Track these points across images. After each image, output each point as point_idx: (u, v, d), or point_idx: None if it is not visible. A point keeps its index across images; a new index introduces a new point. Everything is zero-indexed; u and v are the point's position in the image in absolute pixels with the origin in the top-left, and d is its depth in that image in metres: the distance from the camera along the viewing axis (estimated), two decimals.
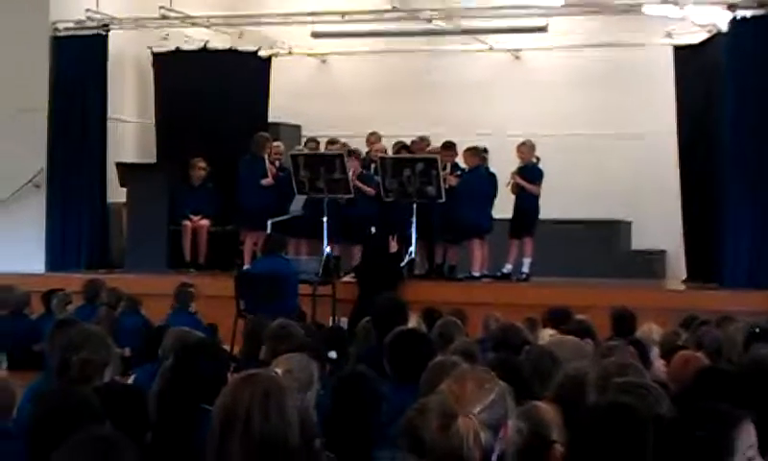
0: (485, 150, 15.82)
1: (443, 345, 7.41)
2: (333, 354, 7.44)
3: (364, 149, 16.72)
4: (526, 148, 15.63)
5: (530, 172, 15.54)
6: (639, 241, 18.20)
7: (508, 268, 15.60)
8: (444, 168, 15.32)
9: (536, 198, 15.52)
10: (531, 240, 15.53)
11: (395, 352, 6.68)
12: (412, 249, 15.19)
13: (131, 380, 7.25)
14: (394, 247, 15.32)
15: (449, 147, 15.92)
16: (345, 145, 16.54)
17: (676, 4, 15.65)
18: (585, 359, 6.30)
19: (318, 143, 17.00)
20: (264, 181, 16.25)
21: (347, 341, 8.55)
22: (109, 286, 13.14)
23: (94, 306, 12.39)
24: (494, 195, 15.57)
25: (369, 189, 15.67)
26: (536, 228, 15.58)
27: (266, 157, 16.39)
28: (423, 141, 16.51)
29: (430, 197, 15.05)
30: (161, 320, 11.23)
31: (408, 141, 16.63)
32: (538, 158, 15.62)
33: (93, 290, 12.93)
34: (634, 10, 16.64)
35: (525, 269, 15.49)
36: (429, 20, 17.55)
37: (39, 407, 4.46)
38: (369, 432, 5.47)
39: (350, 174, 15.48)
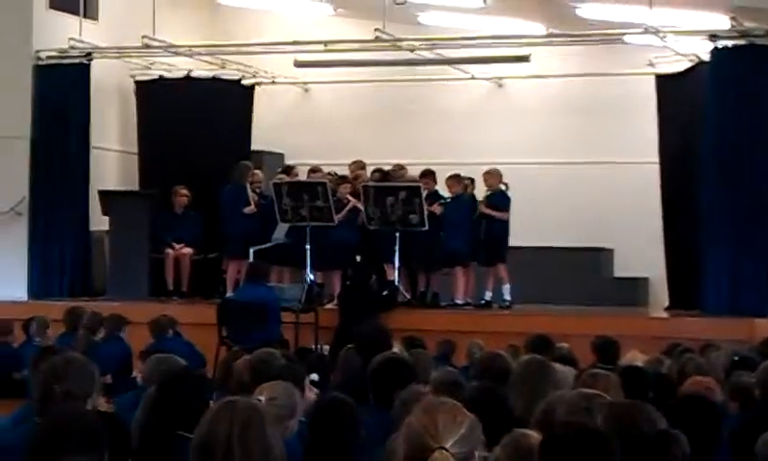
0: (469, 179, 15.80)
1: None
2: (315, 377, 7.41)
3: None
4: (491, 176, 15.59)
5: (497, 199, 15.51)
6: (622, 269, 18.21)
7: (489, 295, 15.57)
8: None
9: (505, 224, 15.47)
10: (504, 266, 15.45)
11: (377, 378, 6.69)
12: (395, 276, 15.17)
13: (112, 408, 7.20)
14: (391, 274, 15.28)
15: (427, 175, 15.91)
16: (334, 175, 16.53)
17: (657, 34, 15.70)
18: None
19: (292, 168, 17.02)
20: (247, 210, 16.23)
21: (329, 366, 8.53)
22: (90, 310, 13.06)
23: (76, 334, 12.32)
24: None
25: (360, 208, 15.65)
26: (507, 253, 15.51)
27: (248, 185, 16.40)
28: (402, 169, 16.44)
29: (413, 225, 15.04)
30: (143, 347, 11.16)
31: (386, 169, 16.60)
32: (506, 185, 15.59)
33: (75, 318, 12.86)
34: (615, 39, 16.72)
35: (507, 296, 15.42)
36: (412, 50, 17.58)
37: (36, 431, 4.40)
38: (348, 459, 5.46)
39: (349, 197, 15.57)
